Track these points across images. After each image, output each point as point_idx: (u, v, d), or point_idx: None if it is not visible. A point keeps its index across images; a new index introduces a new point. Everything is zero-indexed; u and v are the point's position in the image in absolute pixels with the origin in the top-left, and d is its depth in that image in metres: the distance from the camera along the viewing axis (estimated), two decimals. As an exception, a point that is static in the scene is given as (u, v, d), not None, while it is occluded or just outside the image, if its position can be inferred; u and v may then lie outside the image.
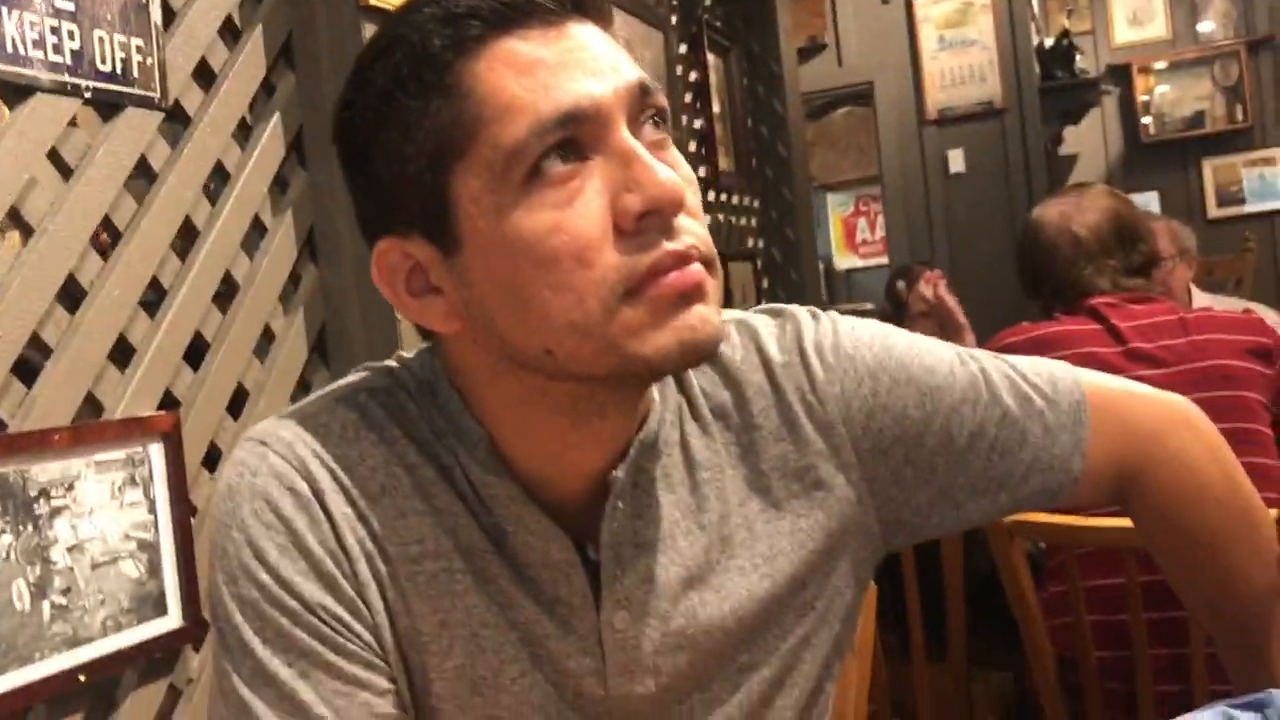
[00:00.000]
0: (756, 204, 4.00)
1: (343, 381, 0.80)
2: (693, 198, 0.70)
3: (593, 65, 0.68)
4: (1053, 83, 6.07)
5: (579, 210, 0.66)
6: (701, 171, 3.48)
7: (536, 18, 0.68)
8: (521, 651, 0.75)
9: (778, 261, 4.07)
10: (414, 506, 0.74)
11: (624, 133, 0.68)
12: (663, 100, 0.71)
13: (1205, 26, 6.44)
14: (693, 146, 3.44)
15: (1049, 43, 6.18)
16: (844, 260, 8.70)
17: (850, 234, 8.79)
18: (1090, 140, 6.58)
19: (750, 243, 3.91)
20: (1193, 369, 1.80)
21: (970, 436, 0.84)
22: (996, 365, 0.87)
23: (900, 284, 3.06)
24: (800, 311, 0.86)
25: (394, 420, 0.76)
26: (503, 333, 0.70)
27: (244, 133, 1.60)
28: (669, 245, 0.67)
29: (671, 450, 0.78)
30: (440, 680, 0.75)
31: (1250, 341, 1.84)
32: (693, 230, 0.69)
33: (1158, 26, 6.51)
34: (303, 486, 0.73)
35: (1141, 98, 6.48)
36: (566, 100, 0.66)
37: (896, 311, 3.05)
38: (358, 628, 0.72)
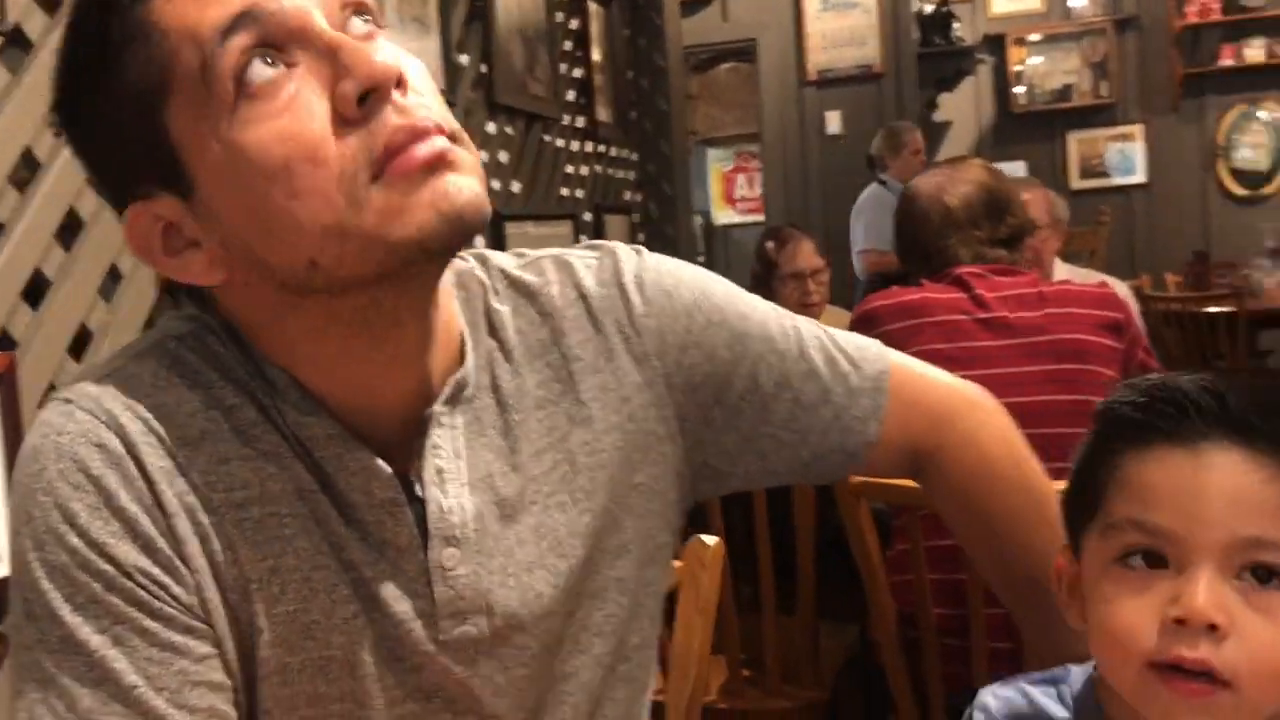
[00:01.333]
0: (634, 157, 3.99)
1: (151, 333, 0.77)
2: (421, 79, 0.69)
3: None
4: (930, 49, 6.18)
5: (297, 113, 0.65)
6: (579, 121, 3.45)
7: None
8: (355, 593, 0.73)
9: (654, 216, 4.08)
10: (236, 451, 0.72)
11: (323, 26, 0.66)
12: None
13: (1076, 2, 6.64)
14: (571, 95, 3.41)
15: (928, 9, 6.28)
16: (722, 215, 8.75)
17: (729, 189, 8.84)
18: (963, 108, 6.74)
19: (627, 196, 3.91)
20: (1046, 341, 1.86)
21: (776, 385, 0.86)
22: (809, 327, 0.90)
23: (770, 244, 3.09)
24: (620, 246, 0.87)
25: (208, 363, 0.73)
26: (265, 259, 0.68)
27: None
28: (399, 120, 0.65)
29: (483, 395, 0.78)
30: (272, 627, 0.72)
31: (1103, 316, 1.91)
32: (426, 105, 0.67)
33: None
34: (113, 442, 0.70)
35: (1014, 68, 6.66)
36: (237, 2, 0.65)
37: (765, 272, 3.08)
38: (176, 589, 0.70)
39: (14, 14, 1.38)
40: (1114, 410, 0.72)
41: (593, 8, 3.59)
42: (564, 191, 3.28)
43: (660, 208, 4.06)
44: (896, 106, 5.77)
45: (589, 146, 3.51)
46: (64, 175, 1.45)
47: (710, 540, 1.25)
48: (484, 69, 2.79)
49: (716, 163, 8.84)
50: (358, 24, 0.68)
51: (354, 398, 0.73)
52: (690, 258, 4.39)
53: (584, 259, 0.85)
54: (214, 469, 0.71)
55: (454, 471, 0.75)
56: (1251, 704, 0.64)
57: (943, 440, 0.92)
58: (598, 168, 3.58)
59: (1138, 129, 6.52)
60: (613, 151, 3.75)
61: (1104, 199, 6.29)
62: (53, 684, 0.67)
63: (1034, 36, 6.63)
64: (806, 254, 3.03)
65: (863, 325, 1.96)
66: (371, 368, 0.73)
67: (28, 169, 1.41)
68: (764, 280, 3.07)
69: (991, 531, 0.94)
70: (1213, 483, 0.65)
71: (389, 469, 0.73)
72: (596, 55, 3.60)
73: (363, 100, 0.65)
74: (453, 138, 0.68)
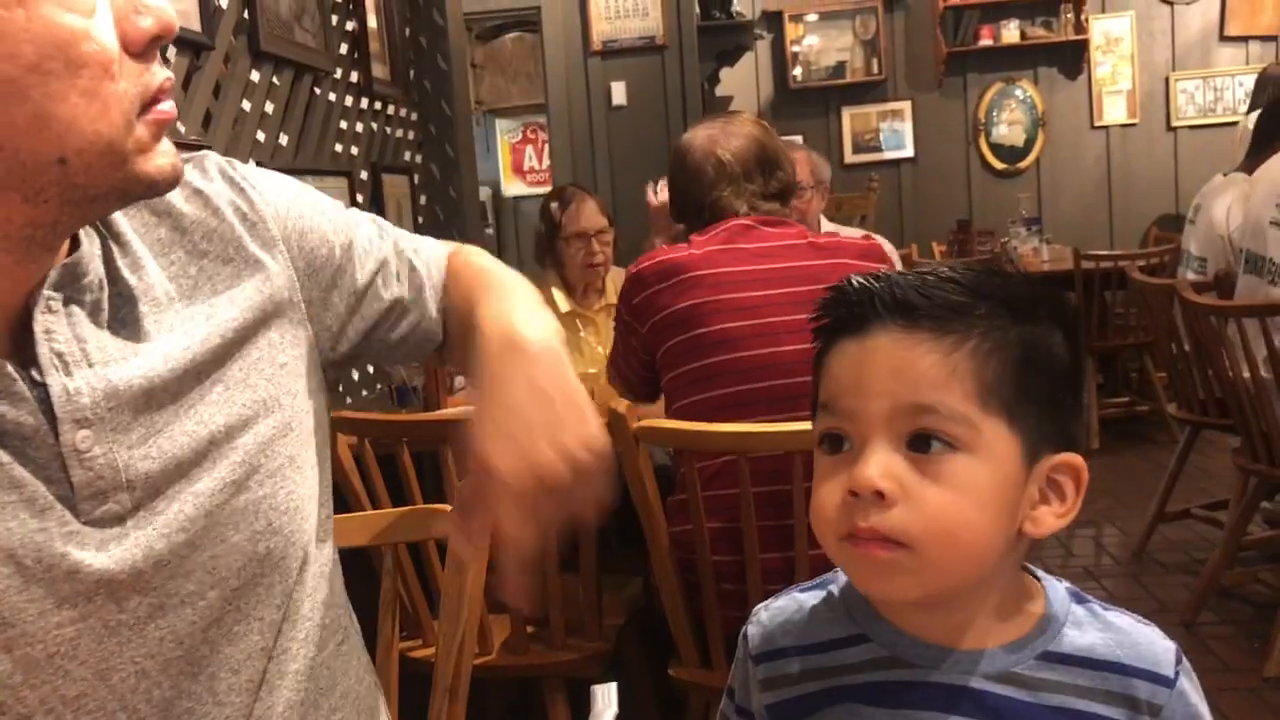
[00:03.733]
0: (414, 117, 3.89)
1: None
2: None
3: None
4: (711, 22, 6.27)
5: (100, 22, 0.68)
6: (354, 77, 3.33)
7: None
8: None
9: (436, 178, 3.98)
10: None
11: None
12: None
13: (849, -18, 6.86)
14: (344, 48, 3.28)
15: (709, -18, 6.37)
16: (512, 187, 8.69)
17: (518, 161, 8.79)
18: (744, 82, 6.89)
19: (408, 155, 3.81)
20: (817, 290, 1.89)
21: (378, 264, 0.96)
22: (387, 228, 1.01)
23: (554, 205, 3.07)
24: (209, 151, 0.91)
25: None
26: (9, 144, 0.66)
27: None
28: (165, 72, 0.73)
29: (99, 287, 0.77)
30: None
31: (869, 267, 1.96)
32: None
33: (809, -23, 6.87)
34: None
35: (791, 46, 6.85)
36: None
37: (549, 233, 3.05)
38: None
39: None
40: (816, 319, 0.78)
41: (367, -40, 3.47)
42: (338, 148, 3.16)
43: (442, 170, 3.97)
44: (679, 78, 5.84)
45: (364, 103, 3.39)
46: None
47: (481, 482, 1.23)
48: (245, 14, 2.65)
49: (505, 134, 8.76)
50: None
51: None
52: (477, 225, 4.35)
53: (185, 161, 0.87)
54: None
55: (76, 354, 0.72)
56: (933, 564, 0.69)
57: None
58: (374, 125, 3.47)
59: (906, 105, 6.82)
60: (390, 110, 3.64)
61: (875, 172, 6.56)
62: None
63: (810, 15, 6.83)
64: (590, 214, 3.02)
65: (634, 286, 1.95)
66: None
67: None
68: (548, 240, 3.04)
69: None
70: (876, 360, 0.71)
71: None
72: (370, 8, 3.48)
73: (153, 39, 0.71)
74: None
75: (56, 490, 0.70)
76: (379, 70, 3.49)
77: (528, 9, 6.04)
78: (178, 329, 0.80)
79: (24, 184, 0.67)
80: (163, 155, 0.73)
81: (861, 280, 0.74)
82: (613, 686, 0.72)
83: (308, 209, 0.92)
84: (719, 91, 6.73)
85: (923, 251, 5.49)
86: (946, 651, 0.73)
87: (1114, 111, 6.62)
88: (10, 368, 0.70)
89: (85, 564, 0.71)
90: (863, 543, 0.69)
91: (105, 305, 0.77)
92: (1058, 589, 0.76)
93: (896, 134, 6.84)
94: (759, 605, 0.82)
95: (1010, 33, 6.56)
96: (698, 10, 6.00)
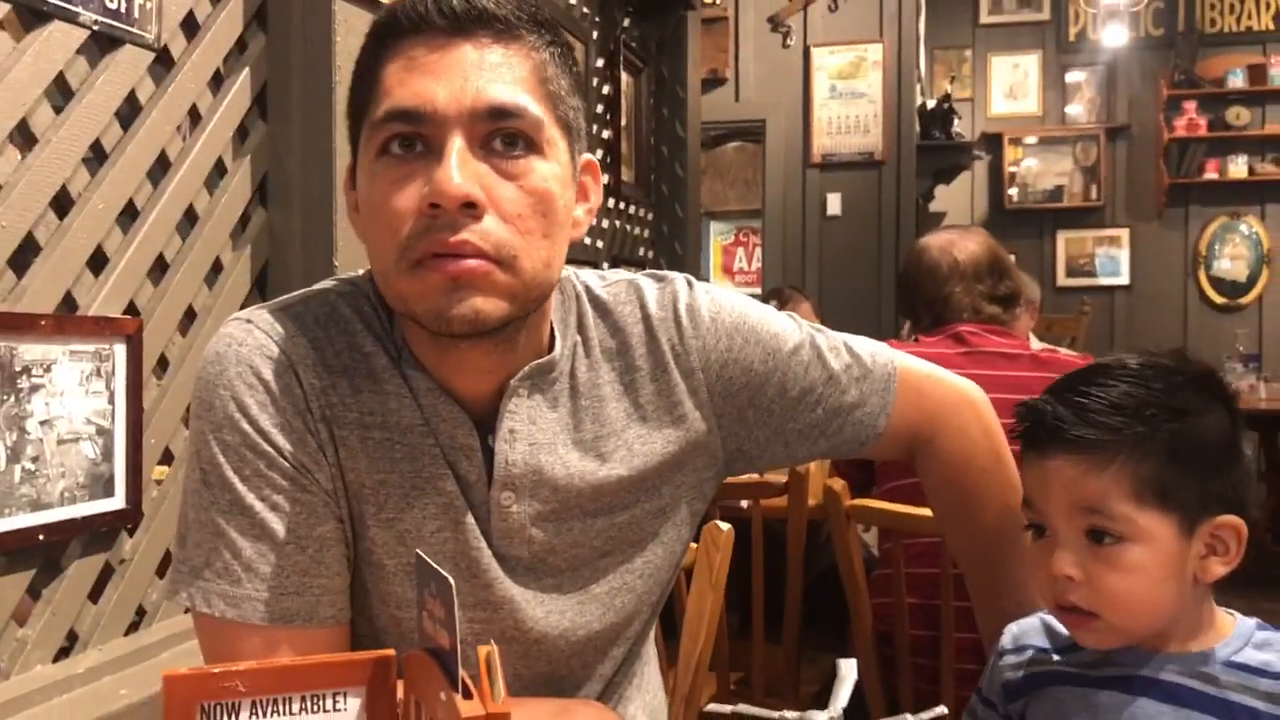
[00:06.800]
0: (650, 216, 4.24)
1: (316, 286, 0.98)
2: (516, 205, 0.85)
3: (450, 79, 0.84)
4: (930, 142, 6.42)
5: (396, 190, 0.85)
6: (605, 179, 3.69)
7: (427, 34, 0.86)
8: (441, 513, 0.93)
9: (663, 273, 4.30)
10: (368, 385, 0.92)
11: (453, 138, 0.84)
12: (523, 124, 0.86)
13: (1072, 109, 6.97)
14: (599, 154, 3.65)
15: (931, 104, 6.53)
16: (721, 286, 8.96)
17: (729, 262, 9.10)
18: (959, 200, 7.02)
19: (642, 251, 4.15)
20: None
21: (802, 391, 1.06)
22: (830, 336, 1.10)
23: (773, 304, 3.30)
24: (678, 278, 1.06)
25: (356, 316, 0.94)
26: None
27: (216, 83, 1.74)
28: (447, 237, 0.83)
29: (563, 379, 0.97)
30: (376, 527, 0.92)
31: None
32: (485, 230, 0.84)
33: (1030, 103, 7.01)
34: (280, 357, 0.90)
35: (1009, 168, 6.96)
36: (408, 99, 0.84)
37: (769, 329, 3.28)
38: (318, 475, 0.90)
39: (165, 35, 1.61)
40: (1012, 430, 1.00)
41: (624, 77, 3.85)
42: (587, 240, 3.51)
43: (669, 265, 4.28)
44: (895, 193, 6.01)
45: (611, 202, 3.75)
46: (187, 177, 1.65)
47: (724, 526, 1.45)
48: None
49: (718, 235, 9.10)
50: (500, 145, 0.85)
51: (443, 372, 0.93)
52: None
53: (650, 286, 1.04)
54: (351, 396, 0.92)
55: (524, 433, 0.95)
56: (1119, 626, 0.91)
57: (936, 432, 1.13)
58: (618, 223, 3.81)
59: (1124, 233, 6.80)
60: (632, 210, 3.99)
61: (1087, 297, 6.54)
62: (223, 536, 0.88)
63: (1030, 138, 6.95)
64: (806, 314, 3.24)
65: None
66: (448, 365, 0.93)
67: (160, 168, 1.62)
68: (767, 337, 3.26)
69: (966, 511, 1.15)
70: (1051, 476, 0.93)
71: (470, 421, 0.93)
72: (624, 121, 3.85)
73: (431, 206, 0.83)
74: (499, 260, 0.85)
75: (483, 526, 0.94)
76: (626, 174, 3.85)
77: (753, 121, 6.32)
78: (606, 429, 0.98)
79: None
80: (432, 303, 0.84)
81: (1033, 409, 0.95)
82: (853, 661, 0.93)
83: (738, 340, 1.03)
84: (933, 207, 6.85)
85: (1131, 378, 5.45)
86: (1146, 654, 0.93)
87: (1346, 252, 6.44)
88: (475, 433, 0.92)
89: (498, 581, 0.95)
90: (1065, 612, 0.92)
91: (560, 398, 0.97)
92: (1246, 622, 0.95)
93: (1113, 260, 6.82)
94: (1011, 622, 1.04)
95: (1238, 168, 6.51)
96: (918, 129, 6.19)
